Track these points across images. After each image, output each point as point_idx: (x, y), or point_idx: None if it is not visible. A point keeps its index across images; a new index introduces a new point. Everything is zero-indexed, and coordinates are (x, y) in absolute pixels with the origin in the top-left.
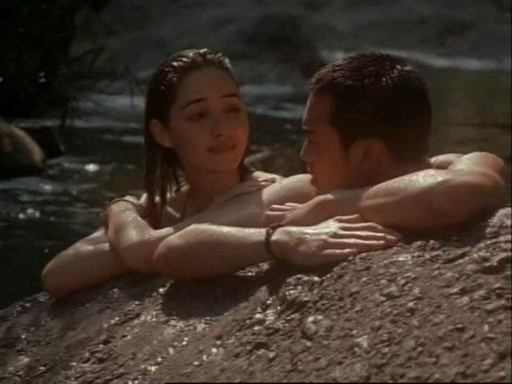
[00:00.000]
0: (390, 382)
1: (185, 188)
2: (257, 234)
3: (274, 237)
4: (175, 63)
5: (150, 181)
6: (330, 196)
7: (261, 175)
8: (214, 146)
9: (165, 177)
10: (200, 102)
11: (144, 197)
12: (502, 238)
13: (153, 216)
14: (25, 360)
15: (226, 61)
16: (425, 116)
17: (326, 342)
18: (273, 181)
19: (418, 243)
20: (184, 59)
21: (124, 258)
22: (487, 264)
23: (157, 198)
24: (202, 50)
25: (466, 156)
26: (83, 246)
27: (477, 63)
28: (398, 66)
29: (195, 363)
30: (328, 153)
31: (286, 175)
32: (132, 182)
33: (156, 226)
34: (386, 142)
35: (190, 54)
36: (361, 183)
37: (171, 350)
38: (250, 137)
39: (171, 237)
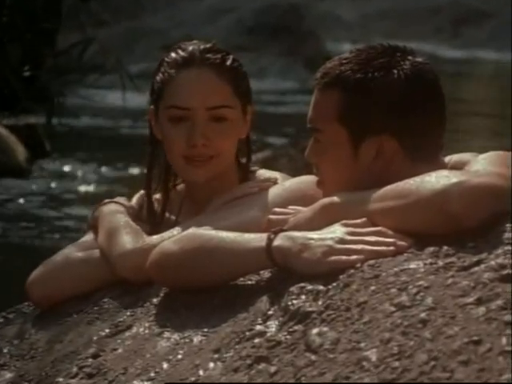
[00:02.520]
0: None
1: (181, 187)
2: (258, 239)
3: (276, 242)
4: (174, 55)
5: (149, 177)
6: (335, 199)
7: (263, 174)
8: (189, 155)
9: (168, 172)
10: (182, 110)
11: (136, 198)
12: None
13: (151, 217)
14: (8, 375)
15: (229, 62)
16: (439, 111)
17: (331, 356)
18: (275, 181)
19: (431, 249)
20: (181, 52)
21: (116, 267)
22: (505, 272)
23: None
24: (203, 46)
25: (482, 155)
26: (71, 253)
27: (494, 55)
28: (410, 58)
29: (191, 378)
30: (336, 152)
31: (289, 176)
32: (123, 182)
33: (155, 228)
34: (398, 139)
35: (191, 47)
36: (371, 184)
37: (165, 365)
38: (248, 141)
39: (166, 242)
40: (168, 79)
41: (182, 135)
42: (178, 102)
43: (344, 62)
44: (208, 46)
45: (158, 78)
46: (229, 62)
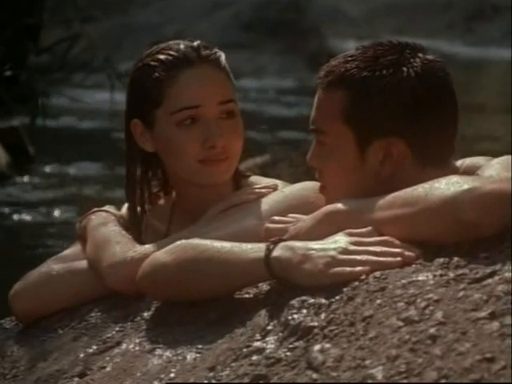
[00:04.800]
0: None
1: (170, 195)
2: (255, 249)
3: (276, 253)
4: (163, 57)
5: (131, 190)
6: (339, 206)
7: (259, 180)
8: (205, 158)
9: (144, 184)
10: (193, 109)
11: (125, 207)
12: None
13: (136, 230)
14: None
15: (223, 57)
16: (451, 112)
17: (334, 374)
18: (274, 187)
19: (441, 260)
20: (174, 53)
21: (106, 278)
22: None
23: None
24: (195, 43)
25: (496, 160)
26: (56, 264)
27: (509, 52)
28: (420, 55)
29: None
30: (341, 155)
31: (290, 182)
32: (113, 188)
33: (139, 241)
34: (407, 142)
35: (181, 46)
36: (378, 190)
37: None
38: (244, 142)
39: (157, 253)
40: (167, 82)
41: (196, 138)
42: (186, 103)
43: (349, 59)
44: (196, 43)
45: (148, 84)
46: (223, 57)
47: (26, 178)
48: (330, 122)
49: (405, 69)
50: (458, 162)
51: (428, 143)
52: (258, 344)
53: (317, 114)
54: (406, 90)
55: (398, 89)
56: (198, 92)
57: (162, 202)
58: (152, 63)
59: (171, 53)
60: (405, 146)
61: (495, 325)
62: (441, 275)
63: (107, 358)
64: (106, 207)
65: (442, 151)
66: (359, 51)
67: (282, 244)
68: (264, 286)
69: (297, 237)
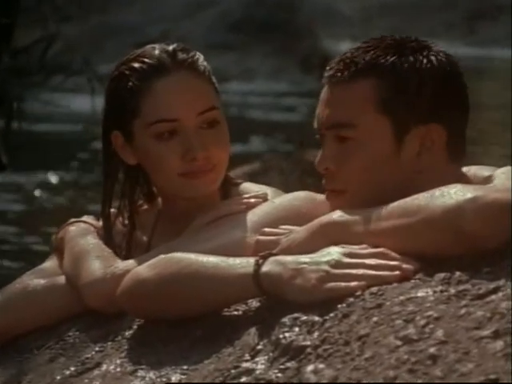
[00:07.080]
0: None
1: (154, 204)
2: (244, 264)
3: (265, 268)
4: (137, 65)
5: (106, 206)
6: (334, 217)
7: (250, 188)
8: (187, 172)
9: (132, 198)
10: (170, 122)
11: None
12: None
13: (111, 247)
14: None
15: (201, 60)
16: (468, 105)
17: None
18: (264, 197)
19: (442, 275)
20: (148, 61)
21: (84, 295)
22: None
23: (119, 225)
24: (170, 47)
25: (501, 169)
26: (32, 280)
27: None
28: (435, 47)
29: None
30: (372, 148)
31: (281, 191)
32: (92, 199)
33: (122, 255)
34: (446, 129)
35: (156, 52)
36: (405, 187)
37: None
38: (232, 150)
39: (139, 267)
40: (143, 93)
41: (176, 151)
42: (162, 115)
43: (368, 49)
44: (172, 46)
45: (124, 95)
46: (201, 59)
47: None
48: (360, 114)
49: (434, 53)
50: (463, 170)
51: (460, 134)
52: (247, 365)
53: (336, 109)
54: (440, 72)
55: (433, 71)
56: (175, 103)
57: (144, 209)
58: (126, 72)
59: (145, 60)
60: (445, 133)
61: (499, 344)
62: (441, 291)
63: (86, 381)
64: (85, 217)
65: (464, 146)
66: (371, 43)
67: (271, 258)
68: (253, 303)
69: (289, 249)
